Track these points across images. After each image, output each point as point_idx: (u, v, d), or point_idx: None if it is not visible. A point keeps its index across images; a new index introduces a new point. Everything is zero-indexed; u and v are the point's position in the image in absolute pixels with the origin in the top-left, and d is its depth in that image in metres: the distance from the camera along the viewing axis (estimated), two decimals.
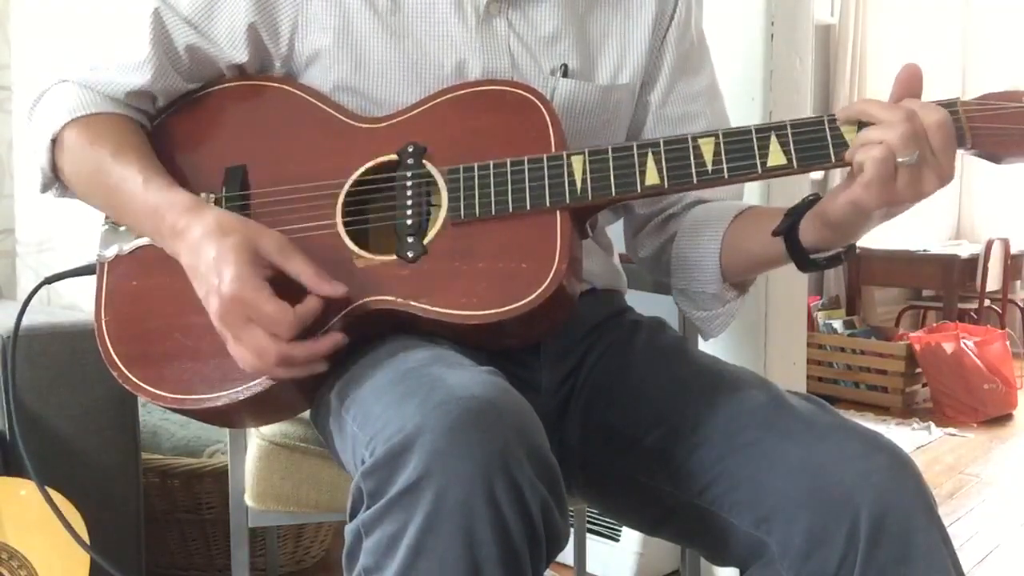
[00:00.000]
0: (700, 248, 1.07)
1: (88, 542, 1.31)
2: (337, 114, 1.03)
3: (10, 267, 2.30)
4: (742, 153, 0.91)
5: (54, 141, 1.02)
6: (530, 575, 0.76)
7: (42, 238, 2.25)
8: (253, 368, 0.90)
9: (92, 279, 1.05)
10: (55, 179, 1.06)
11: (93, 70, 1.04)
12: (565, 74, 1.06)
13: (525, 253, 0.91)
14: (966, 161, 5.89)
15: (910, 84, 0.88)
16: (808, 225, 0.95)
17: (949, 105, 0.87)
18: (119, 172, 0.98)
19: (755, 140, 0.90)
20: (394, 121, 1.01)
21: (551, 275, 0.89)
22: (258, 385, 0.93)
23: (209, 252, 0.89)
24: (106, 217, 1.06)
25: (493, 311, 0.89)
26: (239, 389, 0.93)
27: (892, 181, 0.84)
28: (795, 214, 0.96)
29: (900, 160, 0.83)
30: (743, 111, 1.79)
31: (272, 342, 0.87)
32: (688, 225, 1.11)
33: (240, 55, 1.04)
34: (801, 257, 0.97)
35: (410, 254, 0.94)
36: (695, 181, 0.91)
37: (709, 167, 0.91)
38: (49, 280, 1.12)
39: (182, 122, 1.07)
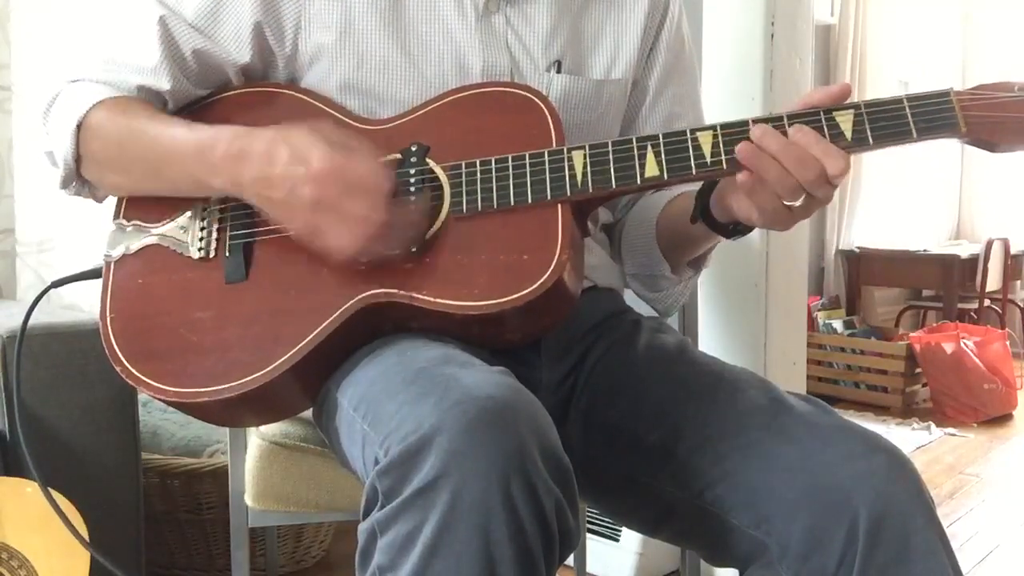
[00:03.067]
0: (642, 235, 1.13)
1: (88, 541, 1.31)
2: (341, 117, 1.03)
3: (10, 267, 2.29)
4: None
5: (79, 127, 1.02)
6: (544, 575, 0.76)
7: (42, 238, 2.25)
8: (363, 242, 0.90)
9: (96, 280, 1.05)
10: (76, 172, 1.05)
11: (106, 72, 1.05)
12: (560, 70, 1.08)
13: (526, 245, 0.92)
14: (966, 161, 5.85)
15: (835, 99, 0.91)
16: (716, 208, 1.00)
17: (943, 94, 0.88)
18: (157, 127, 0.99)
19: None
20: (397, 123, 1.02)
21: (552, 266, 0.90)
22: (260, 379, 0.93)
23: (282, 152, 0.91)
24: (114, 216, 1.06)
25: (494, 301, 0.90)
26: (241, 383, 0.94)
27: (788, 215, 0.91)
28: (702, 197, 1.01)
29: (790, 204, 0.89)
30: (743, 111, 1.78)
31: (373, 207, 0.89)
32: (633, 215, 1.17)
33: (244, 55, 1.05)
34: (722, 230, 1.01)
35: (413, 248, 0.94)
36: (694, 172, 0.92)
37: (708, 159, 0.92)
38: (56, 284, 1.12)
39: None
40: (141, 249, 1.03)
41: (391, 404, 0.82)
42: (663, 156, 0.93)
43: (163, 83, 1.04)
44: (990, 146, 0.89)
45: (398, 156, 0.99)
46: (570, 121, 1.07)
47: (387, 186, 0.90)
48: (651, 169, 0.92)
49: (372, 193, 0.90)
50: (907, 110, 0.88)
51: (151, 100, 1.05)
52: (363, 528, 0.79)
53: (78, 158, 1.03)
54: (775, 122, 0.90)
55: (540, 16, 1.08)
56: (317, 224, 0.91)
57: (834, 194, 0.92)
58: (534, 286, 0.89)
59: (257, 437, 1.20)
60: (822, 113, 0.90)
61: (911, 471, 0.87)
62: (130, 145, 1.01)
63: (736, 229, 1.01)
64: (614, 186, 0.93)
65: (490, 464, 0.73)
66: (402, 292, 0.93)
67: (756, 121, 0.91)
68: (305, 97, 1.05)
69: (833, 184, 0.89)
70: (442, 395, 0.77)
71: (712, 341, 1.84)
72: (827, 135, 0.89)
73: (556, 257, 0.90)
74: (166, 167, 0.99)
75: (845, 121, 0.89)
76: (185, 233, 1.02)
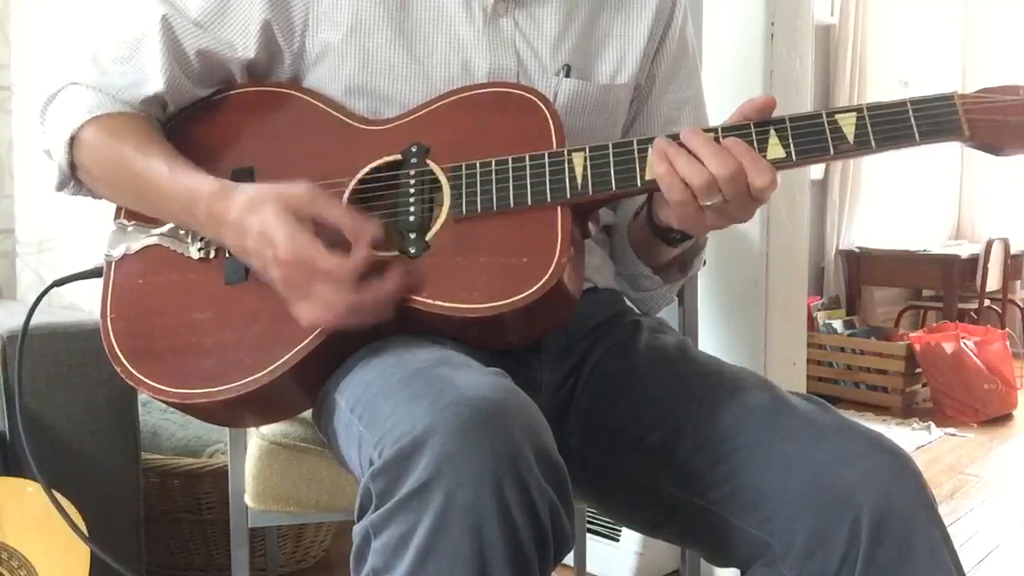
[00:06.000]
0: (619, 236, 1.15)
1: (90, 538, 1.31)
2: (342, 117, 1.03)
3: (10, 267, 2.30)
4: None
5: (73, 139, 1.02)
6: None
7: (42, 238, 2.25)
8: (325, 322, 0.91)
9: (96, 279, 1.05)
10: (71, 177, 1.05)
11: (105, 75, 1.04)
12: (568, 74, 1.08)
13: (526, 248, 0.92)
14: (966, 161, 5.85)
15: (760, 114, 0.91)
16: (655, 213, 1.01)
17: (946, 98, 0.88)
18: (143, 162, 0.99)
19: (754, 134, 0.91)
20: (398, 123, 1.02)
21: (551, 269, 0.89)
22: (260, 380, 0.93)
23: (252, 228, 0.91)
24: (115, 217, 1.06)
25: (493, 304, 0.89)
26: (240, 384, 0.94)
27: (699, 217, 0.91)
28: (646, 202, 1.03)
29: (704, 203, 0.89)
30: None
31: (338, 294, 0.89)
32: (619, 216, 1.18)
33: (250, 52, 1.05)
34: (663, 236, 1.03)
35: (412, 250, 0.94)
36: None
37: None
38: (57, 283, 1.13)
39: (190, 128, 1.07)
40: (142, 249, 1.03)
41: (386, 405, 0.82)
42: None
43: (162, 85, 1.03)
44: (994, 150, 0.89)
45: (398, 157, 0.99)
46: (576, 125, 1.06)
47: (351, 274, 0.89)
48: (651, 172, 0.92)
49: (335, 282, 0.89)
50: (910, 113, 0.88)
51: (150, 108, 1.05)
52: (357, 530, 0.79)
53: (73, 166, 1.04)
54: (776, 124, 0.90)
55: (548, 20, 1.08)
56: (288, 298, 0.92)
57: (755, 213, 0.93)
58: (533, 289, 0.89)
59: (257, 437, 1.20)
60: (824, 116, 0.90)
61: (913, 470, 0.87)
62: (118, 173, 1.01)
63: (675, 236, 1.02)
64: (614, 188, 0.93)
65: (483, 466, 0.73)
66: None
67: (756, 123, 0.91)
68: (308, 98, 1.05)
69: (756, 198, 0.89)
70: (436, 397, 0.77)
71: (712, 341, 1.84)
72: (829, 138, 0.89)
73: (556, 260, 0.90)
74: (154, 203, 1.00)
75: (848, 124, 0.89)
76: (186, 234, 1.02)
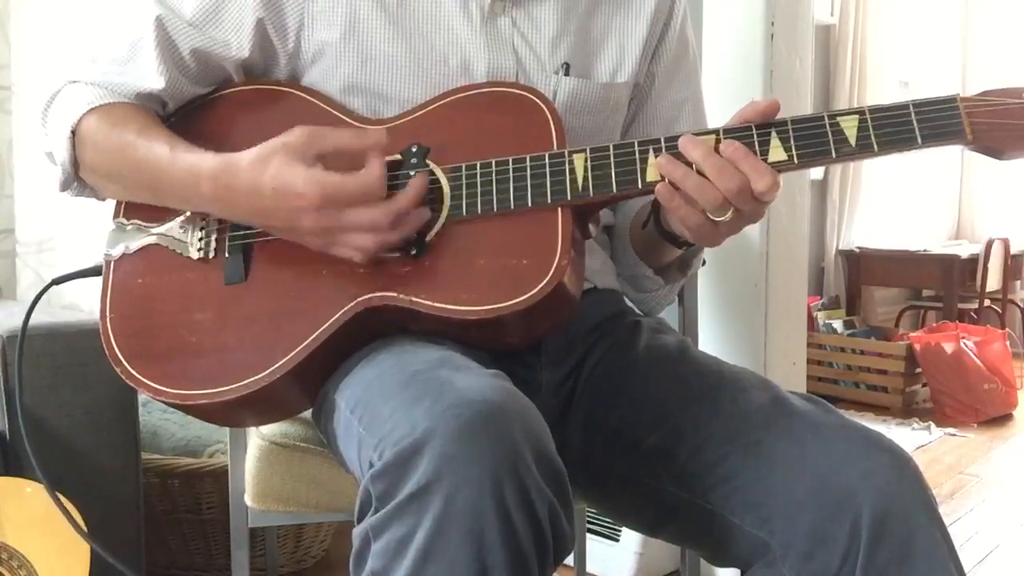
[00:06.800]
0: (621, 237, 1.16)
1: (92, 537, 1.31)
2: (341, 116, 1.03)
3: (10, 267, 2.29)
4: None
5: (74, 132, 1.02)
6: None
7: (42, 238, 2.25)
8: (376, 245, 0.91)
9: (96, 278, 1.05)
10: (75, 175, 1.05)
11: (104, 75, 1.04)
12: (567, 73, 1.08)
13: (526, 249, 0.91)
14: (966, 160, 5.84)
15: (763, 117, 0.91)
16: (665, 221, 1.01)
17: (948, 100, 0.87)
18: (145, 146, 0.98)
19: (755, 136, 0.90)
20: (397, 123, 1.02)
21: (552, 271, 0.89)
22: (260, 381, 0.93)
23: (267, 187, 0.90)
24: (114, 215, 1.06)
25: (493, 306, 0.89)
26: (240, 385, 0.93)
27: (715, 232, 0.92)
28: (652, 207, 1.03)
29: (716, 220, 0.89)
30: None
31: (377, 210, 0.89)
32: (619, 217, 1.18)
33: (244, 51, 1.05)
34: (673, 240, 1.03)
35: (412, 251, 0.94)
36: None
37: None
38: (57, 281, 1.12)
39: (188, 126, 1.07)
40: (141, 249, 1.03)
41: (386, 407, 0.82)
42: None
43: (160, 84, 1.03)
44: (996, 153, 0.88)
45: (397, 157, 0.99)
46: (576, 124, 1.06)
47: (380, 182, 0.89)
48: (652, 173, 0.92)
49: (370, 200, 0.89)
50: (912, 116, 0.88)
51: (148, 104, 1.05)
52: (357, 532, 0.79)
53: (75, 163, 1.03)
54: (778, 126, 0.90)
55: (546, 19, 1.08)
56: (329, 244, 0.92)
57: (765, 212, 0.92)
58: (533, 291, 0.89)
59: (257, 437, 1.20)
60: (826, 118, 0.89)
61: (914, 470, 0.87)
62: (121, 160, 1.01)
63: (684, 240, 1.02)
64: (615, 190, 0.93)
65: (483, 468, 0.73)
66: (401, 296, 0.92)
67: (758, 125, 0.90)
68: (307, 96, 1.05)
69: (761, 200, 0.89)
70: (436, 399, 0.77)
71: (712, 341, 1.84)
72: (831, 140, 0.88)
73: (556, 262, 0.90)
74: (158, 187, 1.00)
75: (850, 126, 0.89)
76: (185, 233, 1.02)
